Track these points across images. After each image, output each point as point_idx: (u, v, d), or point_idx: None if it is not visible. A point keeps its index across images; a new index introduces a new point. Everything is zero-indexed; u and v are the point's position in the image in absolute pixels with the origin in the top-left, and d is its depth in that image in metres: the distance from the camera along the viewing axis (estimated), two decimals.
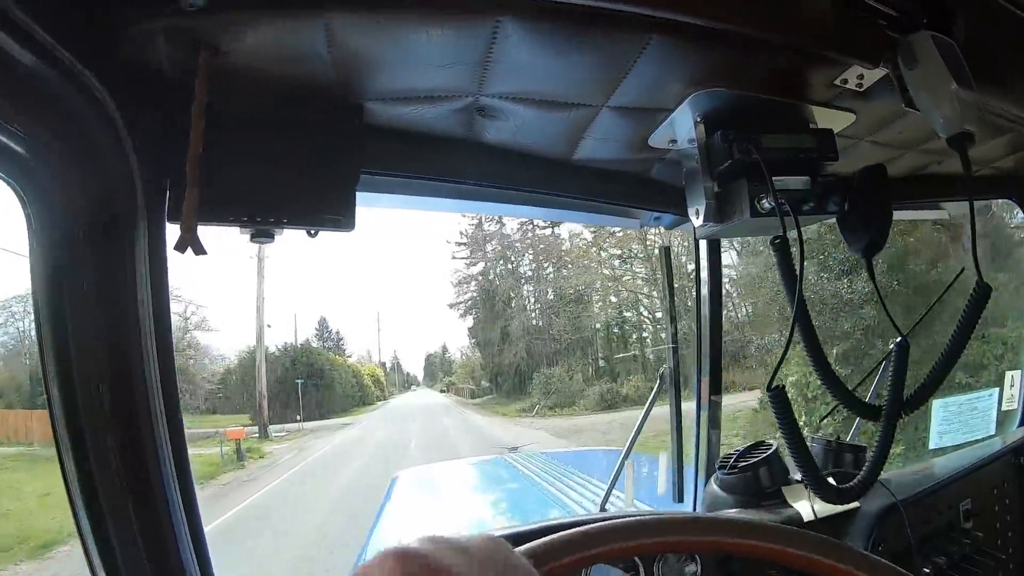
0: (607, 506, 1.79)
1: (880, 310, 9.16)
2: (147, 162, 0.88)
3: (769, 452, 1.44)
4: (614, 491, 1.76)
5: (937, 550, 1.41)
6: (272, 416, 23.44)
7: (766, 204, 1.04)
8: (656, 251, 22.60)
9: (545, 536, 0.76)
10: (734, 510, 1.43)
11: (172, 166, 0.87)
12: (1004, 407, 2.00)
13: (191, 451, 1.00)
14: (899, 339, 1.11)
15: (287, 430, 23.10)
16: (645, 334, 25.56)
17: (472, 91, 1.01)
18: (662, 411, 1.72)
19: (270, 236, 1.00)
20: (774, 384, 1.00)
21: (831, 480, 1.12)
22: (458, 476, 4.95)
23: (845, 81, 1.06)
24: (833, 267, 10.20)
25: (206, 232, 0.92)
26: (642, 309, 25.78)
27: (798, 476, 1.48)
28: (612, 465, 1.85)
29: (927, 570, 1.35)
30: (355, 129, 1.03)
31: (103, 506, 0.88)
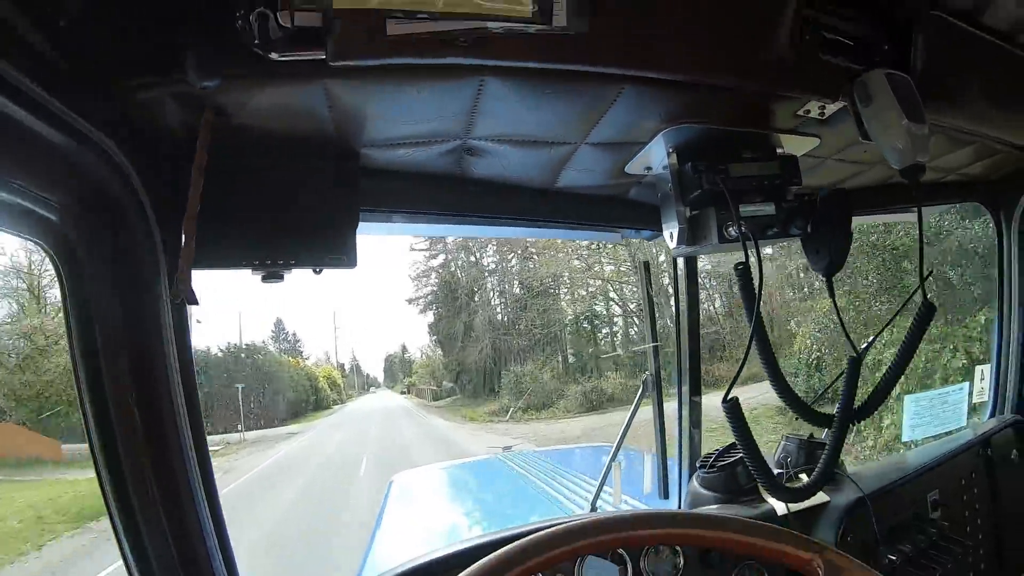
0: (597, 504, 1.89)
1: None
2: (164, 215, 0.95)
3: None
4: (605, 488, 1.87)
5: (904, 539, 1.51)
6: (213, 426, 20.87)
7: (732, 232, 1.12)
8: (624, 246, 20.86)
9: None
10: (715, 506, 1.52)
11: (184, 220, 0.94)
12: (975, 400, 2.09)
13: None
14: (852, 355, 1.19)
15: (227, 442, 20.06)
16: (616, 328, 24.40)
17: (460, 135, 1.10)
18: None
19: (280, 277, 1.08)
20: (729, 396, 1.09)
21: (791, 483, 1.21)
22: (453, 477, 5.02)
23: (808, 112, 1.14)
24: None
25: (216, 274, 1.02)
26: (612, 304, 24.37)
27: (775, 472, 1.58)
28: (606, 461, 1.94)
29: (892, 557, 1.44)
30: (353, 173, 1.12)
31: (138, 516, 0.97)
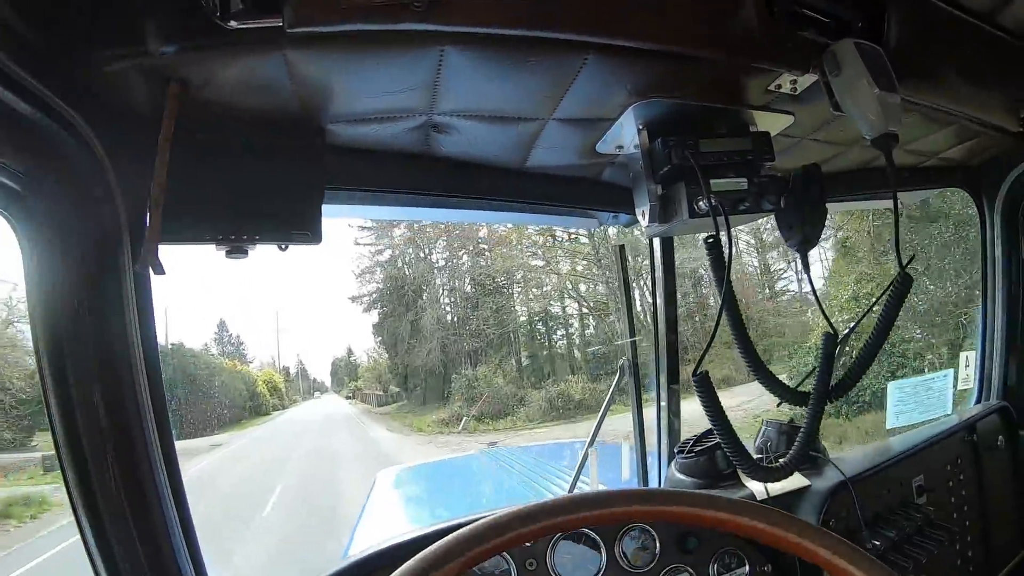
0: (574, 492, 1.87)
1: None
2: (128, 189, 0.94)
3: None
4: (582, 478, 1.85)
5: (888, 525, 1.48)
6: None
7: (703, 205, 1.10)
8: (584, 240, 19.91)
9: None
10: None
11: (151, 191, 0.94)
12: (960, 386, 2.07)
13: None
14: (828, 332, 1.17)
15: None
16: (572, 330, 21.94)
17: (425, 110, 1.08)
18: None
19: (244, 252, 1.07)
20: (699, 371, 1.07)
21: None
22: (437, 472, 5.02)
23: (779, 87, 1.13)
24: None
25: (184, 249, 1.01)
26: (569, 303, 21.90)
27: (755, 457, 1.55)
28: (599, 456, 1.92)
29: (876, 543, 1.42)
30: (319, 150, 1.11)
31: (102, 512, 0.95)
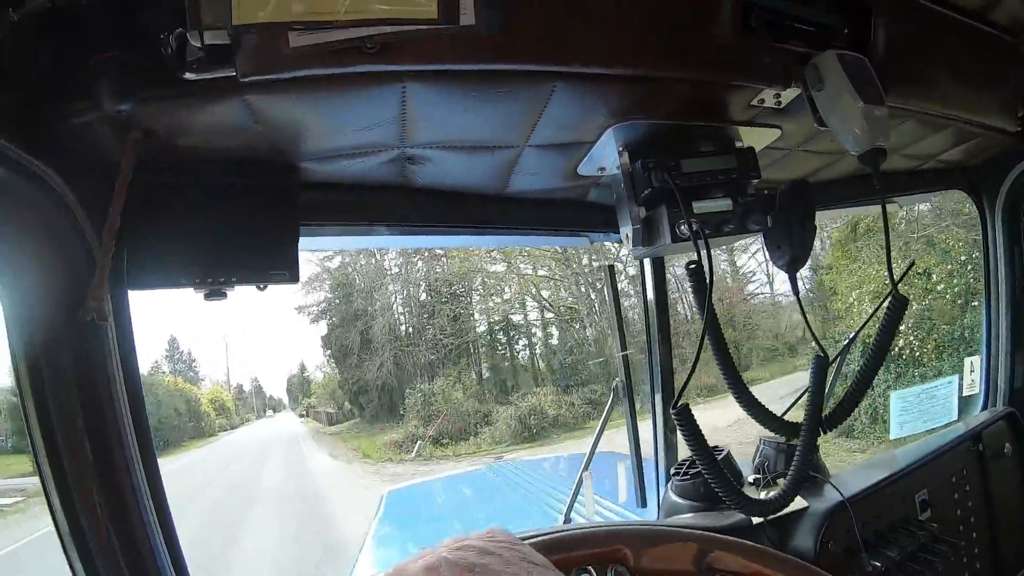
0: (571, 516, 1.84)
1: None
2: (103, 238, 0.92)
3: (721, 456, 1.47)
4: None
5: (890, 544, 1.45)
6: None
7: (684, 230, 1.07)
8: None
9: None
10: (689, 515, 1.46)
11: (127, 239, 0.93)
12: (966, 392, 2.02)
13: None
14: (818, 355, 1.13)
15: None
16: (535, 339, 19.74)
17: (396, 144, 1.06)
18: None
19: (223, 295, 1.06)
20: (679, 403, 1.03)
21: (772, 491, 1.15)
22: (443, 489, 5.00)
23: (763, 101, 1.09)
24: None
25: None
26: (531, 310, 19.76)
27: (751, 478, 1.52)
28: (601, 469, 1.89)
29: (877, 564, 1.38)
30: (292, 188, 1.09)
31: (88, 539, 0.94)
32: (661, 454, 1.65)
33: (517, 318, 19.59)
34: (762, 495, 1.43)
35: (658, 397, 1.63)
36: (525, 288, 19.16)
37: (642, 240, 1.17)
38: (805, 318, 1.26)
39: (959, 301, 8.35)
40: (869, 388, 1.11)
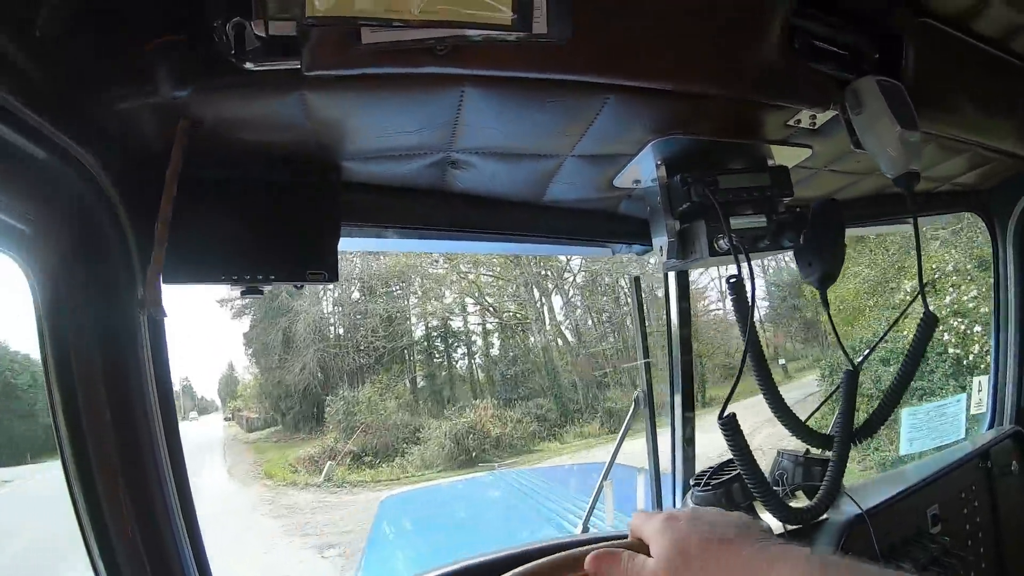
0: (589, 524, 1.85)
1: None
2: (140, 228, 0.93)
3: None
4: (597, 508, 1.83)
5: (904, 556, 1.47)
6: None
7: (723, 244, 1.10)
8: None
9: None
10: None
11: (156, 229, 0.92)
12: (973, 411, 2.06)
13: None
14: (848, 368, 1.16)
15: None
16: (475, 347, 17.86)
17: (443, 148, 1.07)
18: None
19: (260, 292, 1.07)
20: (726, 413, 1.05)
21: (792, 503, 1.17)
22: (447, 495, 4.94)
23: (799, 121, 1.12)
24: None
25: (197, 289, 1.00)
26: (472, 315, 18.01)
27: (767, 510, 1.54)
28: (614, 478, 1.89)
29: None
30: (334, 187, 1.09)
31: (112, 537, 0.93)
32: (679, 465, 1.67)
33: (457, 324, 18.05)
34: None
35: (678, 409, 1.65)
36: (467, 290, 17.75)
37: (677, 253, 1.19)
38: (835, 331, 1.29)
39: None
40: (899, 403, 1.14)
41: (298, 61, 0.76)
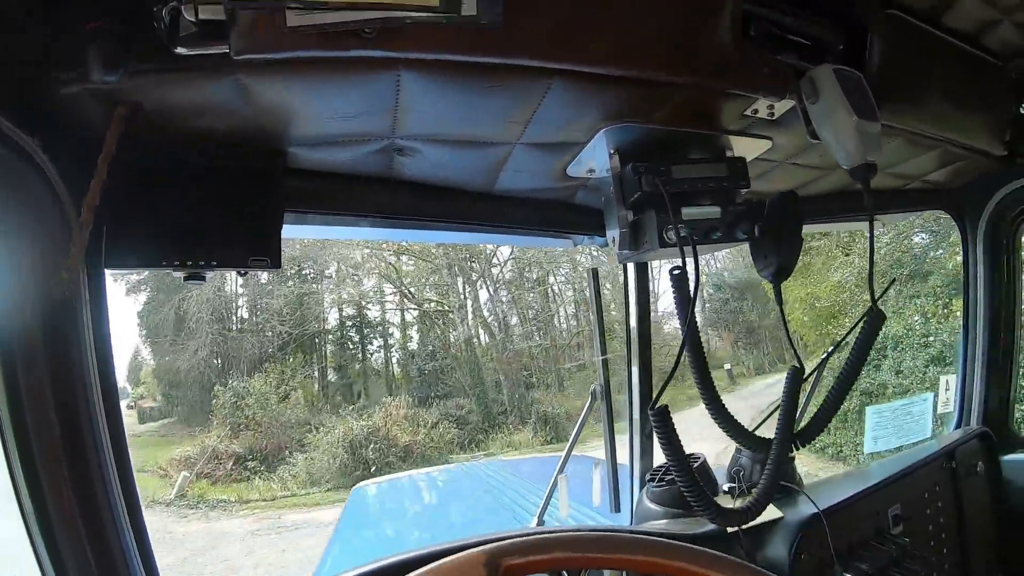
0: (543, 518, 1.83)
1: None
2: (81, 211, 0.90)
3: (696, 464, 1.47)
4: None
5: (862, 557, 1.46)
6: None
7: (672, 236, 1.07)
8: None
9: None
10: (663, 521, 1.46)
11: (106, 216, 0.92)
12: (940, 411, 2.05)
13: None
14: (794, 366, 1.13)
15: None
16: (392, 342, 15.73)
17: (387, 134, 1.04)
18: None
19: (202, 278, 1.06)
20: (657, 405, 1.02)
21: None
22: (417, 485, 4.96)
23: (756, 111, 1.10)
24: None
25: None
26: (390, 305, 15.78)
27: (726, 487, 1.52)
28: (577, 472, 1.88)
29: None
30: (278, 174, 1.08)
31: (53, 521, 0.91)
32: (636, 459, 1.65)
33: (375, 314, 15.96)
34: (736, 504, 1.43)
35: (635, 402, 1.63)
36: (385, 272, 15.59)
37: (629, 244, 1.16)
38: (786, 328, 1.27)
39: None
40: (843, 403, 1.11)
41: (227, 45, 0.75)
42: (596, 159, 1.16)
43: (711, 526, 1.39)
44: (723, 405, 1.11)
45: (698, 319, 1.14)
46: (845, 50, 1.10)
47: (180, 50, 0.76)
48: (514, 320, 15.90)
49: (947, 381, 2.01)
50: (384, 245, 14.90)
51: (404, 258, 15.65)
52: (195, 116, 0.94)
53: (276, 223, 1.07)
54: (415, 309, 15.73)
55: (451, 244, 14.29)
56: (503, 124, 1.03)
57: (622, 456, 1.72)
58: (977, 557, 1.78)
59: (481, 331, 15.71)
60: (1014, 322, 1.92)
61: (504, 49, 0.83)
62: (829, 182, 1.55)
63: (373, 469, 11.14)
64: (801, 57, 1.05)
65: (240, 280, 14.69)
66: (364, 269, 15.73)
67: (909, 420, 2.05)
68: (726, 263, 15.73)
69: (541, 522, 1.83)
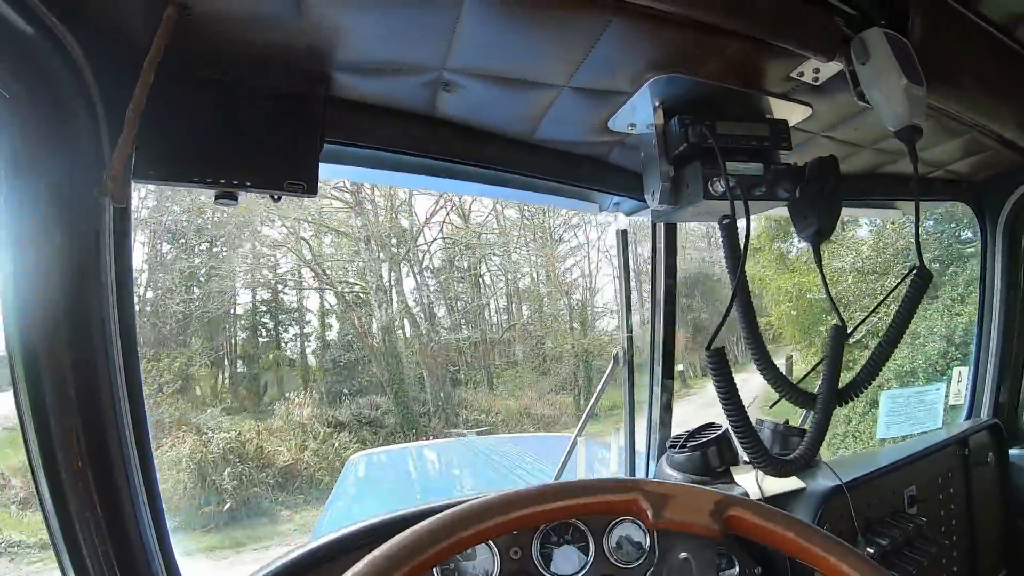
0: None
1: None
2: (115, 117, 0.87)
3: (719, 433, 1.48)
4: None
5: (881, 533, 1.46)
6: None
7: (719, 187, 1.07)
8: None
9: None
10: None
11: (141, 124, 0.86)
12: (951, 401, 2.07)
13: None
14: (836, 323, 1.14)
15: None
16: (309, 330, 14.14)
17: (437, 65, 1.03)
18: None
19: (234, 198, 1.01)
20: (712, 346, 1.02)
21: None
22: (415, 457, 4.92)
23: (801, 74, 1.10)
24: None
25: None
26: (308, 290, 14.04)
27: (746, 457, 1.52)
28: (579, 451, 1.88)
29: (870, 550, 1.40)
30: (320, 98, 1.05)
31: (70, 502, 0.89)
32: (656, 428, 1.65)
33: (291, 299, 14.14)
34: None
35: (658, 369, 1.63)
36: (294, 248, 13.60)
37: (669, 198, 1.16)
38: (828, 290, 1.28)
39: None
40: (886, 362, 1.12)
41: None
42: (639, 112, 1.16)
43: (735, 491, 1.40)
44: (770, 357, 1.11)
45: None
46: (886, 24, 1.12)
47: None
48: (441, 311, 14.97)
49: (960, 372, 2.03)
50: (304, 223, 13.49)
51: (327, 240, 14.16)
52: (243, 26, 0.90)
53: (314, 149, 1.04)
54: (331, 289, 14.02)
55: (376, 219, 13.47)
56: (556, 63, 1.03)
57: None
58: (984, 545, 1.79)
59: (405, 321, 14.28)
60: None
61: None
62: (858, 162, 1.56)
63: (227, 505, 8.71)
64: (847, 24, 1.06)
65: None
66: (282, 249, 13.91)
67: (921, 408, 2.07)
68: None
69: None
